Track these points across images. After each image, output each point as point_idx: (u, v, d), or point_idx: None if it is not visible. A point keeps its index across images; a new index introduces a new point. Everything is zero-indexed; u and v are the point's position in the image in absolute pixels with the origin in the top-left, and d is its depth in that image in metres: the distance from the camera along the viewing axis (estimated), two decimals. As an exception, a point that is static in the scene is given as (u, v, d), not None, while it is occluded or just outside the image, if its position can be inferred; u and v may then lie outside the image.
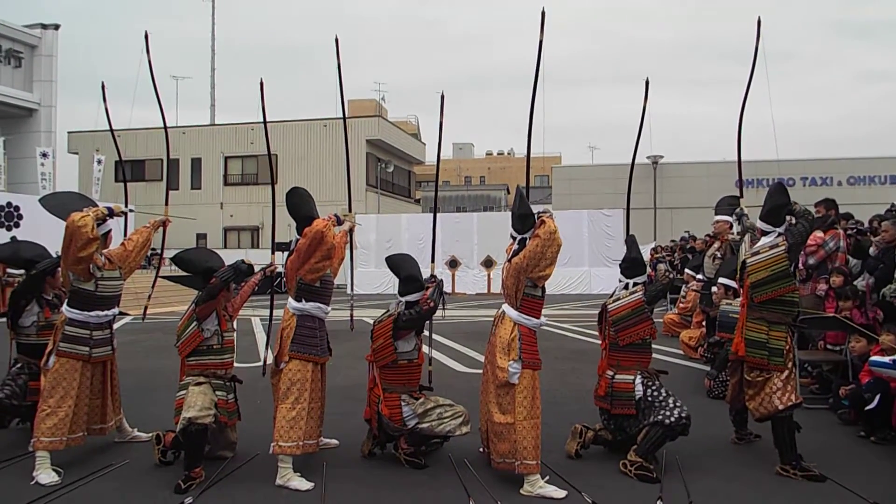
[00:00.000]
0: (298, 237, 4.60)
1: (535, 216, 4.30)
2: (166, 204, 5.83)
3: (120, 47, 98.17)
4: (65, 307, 4.71)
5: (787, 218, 4.72)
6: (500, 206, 42.52)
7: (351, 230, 5.25)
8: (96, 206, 4.89)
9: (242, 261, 4.69)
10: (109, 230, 4.84)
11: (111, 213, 4.74)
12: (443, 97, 5.60)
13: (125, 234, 5.54)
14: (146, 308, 6.23)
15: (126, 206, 6.21)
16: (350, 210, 5.44)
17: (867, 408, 5.14)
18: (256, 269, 5.02)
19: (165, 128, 6.25)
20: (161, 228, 5.57)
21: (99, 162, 26.13)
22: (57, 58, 27.02)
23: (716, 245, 8.29)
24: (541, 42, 4.68)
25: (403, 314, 4.62)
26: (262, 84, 5.71)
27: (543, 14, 4.69)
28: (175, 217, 5.69)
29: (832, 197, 7.81)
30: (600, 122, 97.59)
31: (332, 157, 29.89)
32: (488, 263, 22.22)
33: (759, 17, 5.23)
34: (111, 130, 6.31)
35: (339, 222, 4.74)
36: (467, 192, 45.84)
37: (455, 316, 14.92)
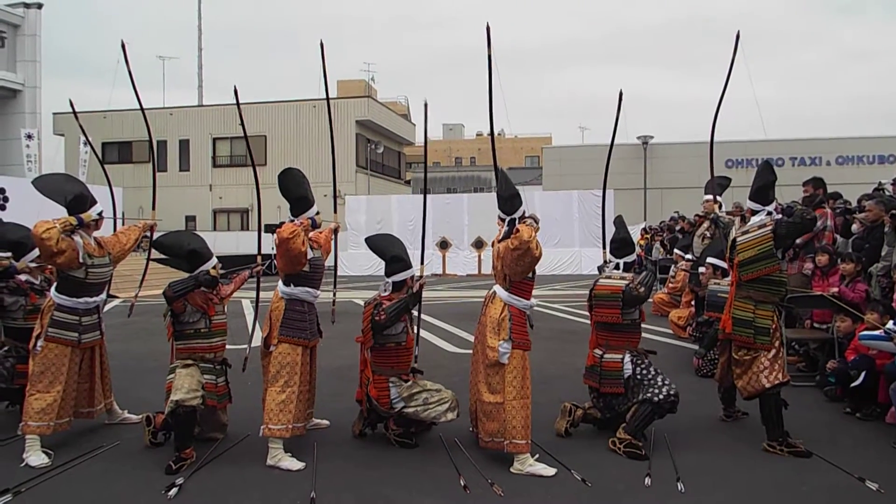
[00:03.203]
0: (292, 218, 4.57)
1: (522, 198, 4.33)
2: (153, 209, 5.77)
3: (105, 27, 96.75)
4: (53, 292, 4.67)
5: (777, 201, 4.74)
6: (490, 186, 42.44)
7: (336, 230, 5.26)
8: (86, 187, 4.84)
9: (207, 272, 4.58)
10: (101, 211, 4.79)
11: (80, 223, 4.59)
12: (426, 105, 5.53)
13: (114, 212, 5.52)
14: (132, 306, 6.19)
15: (110, 188, 6.17)
16: (339, 194, 5.42)
17: (853, 384, 5.21)
18: (252, 249, 4.98)
19: (151, 142, 6.16)
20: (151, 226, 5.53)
21: (85, 144, 25.82)
22: (41, 37, 26.59)
23: (705, 225, 8.33)
24: (489, 57, 4.62)
25: (377, 314, 4.54)
26: (235, 91, 5.62)
27: (489, 29, 4.61)
28: (158, 217, 5.68)
29: (820, 176, 7.84)
30: (591, 102, 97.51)
31: (322, 137, 29.67)
32: (479, 244, 22.23)
33: (738, 32, 5.22)
34: (73, 112, 6.26)
35: (315, 226, 4.66)
36: (458, 174, 45.74)
37: (445, 297, 14.96)
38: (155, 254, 6.25)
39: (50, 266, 4.94)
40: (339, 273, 6.10)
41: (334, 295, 5.89)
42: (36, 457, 4.31)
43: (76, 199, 4.64)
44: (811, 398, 5.78)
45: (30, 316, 5.01)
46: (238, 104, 5.65)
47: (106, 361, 5.10)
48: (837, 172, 25.60)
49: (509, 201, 4.35)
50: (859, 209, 7.23)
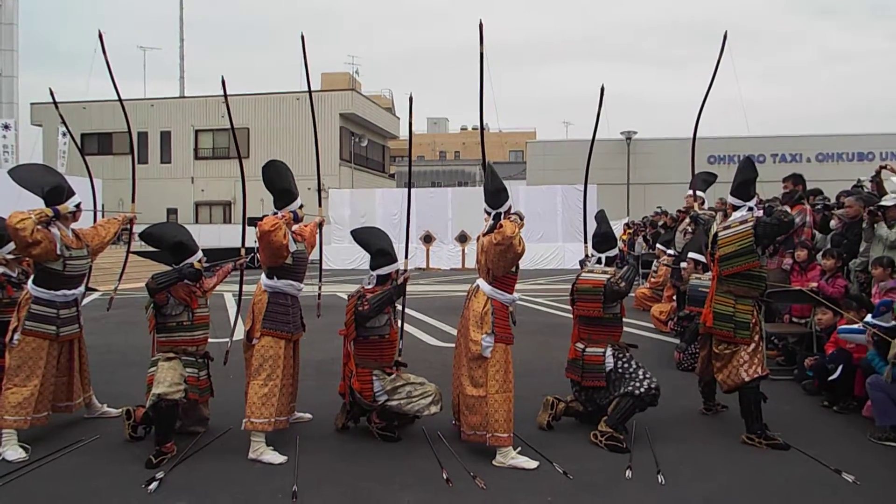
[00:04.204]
0: (276, 211, 4.54)
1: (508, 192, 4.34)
2: (133, 201, 5.71)
3: (84, 16, 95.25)
4: (30, 285, 4.61)
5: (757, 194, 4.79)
6: (474, 181, 42.43)
7: (320, 224, 5.24)
8: (63, 179, 4.77)
9: (192, 265, 4.55)
10: (78, 203, 4.72)
11: (56, 215, 4.52)
12: (411, 99, 5.48)
13: (94, 204, 5.44)
14: (112, 299, 6.11)
15: (91, 179, 6.09)
16: (322, 187, 5.37)
17: (830, 378, 5.28)
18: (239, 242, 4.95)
19: (130, 134, 6.08)
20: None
21: (64, 134, 25.44)
22: (18, 26, 26.13)
23: (687, 220, 8.38)
24: (482, 54, 4.62)
25: (360, 304, 4.55)
26: (223, 81, 5.55)
27: (481, 26, 4.60)
28: (138, 210, 5.64)
29: (801, 173, 7.92)
30: (576, 97, 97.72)
31: (305, 130, 29.46)
32: (462, 239, 22.22)
33: (726, 32, 5.27)
34: (54, 102, 6.17)
35: (298, 219, 4.63)
36: (442, 167, 45.65)
37: (429, 291, 14.96)
38: (135, 246, 6.18)
39: (27, 258, 4.87)
40: (318, 283, 6.06)
41: (319, 289, 5.86)
42: (13, 451, 4.26)
43: (53, 191, 4.57)
44: (790, 391, 5.86)
45: (6, 309, 4.92)
46: (225, 95, 5.58)
47: (85, 355, 5.04)
48: (818, 169, 25.90)
49: (495, 195, 4.35)
50: (838, 206, 7.31)
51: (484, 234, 4.39)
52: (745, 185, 4.76)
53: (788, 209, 6.10)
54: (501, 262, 4.22)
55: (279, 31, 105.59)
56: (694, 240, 7.56)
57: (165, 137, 32.07)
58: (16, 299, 4.80)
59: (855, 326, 5.13)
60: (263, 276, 4.57)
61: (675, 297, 8.60)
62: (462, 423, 4.39)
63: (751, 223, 4.61)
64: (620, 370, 4.67)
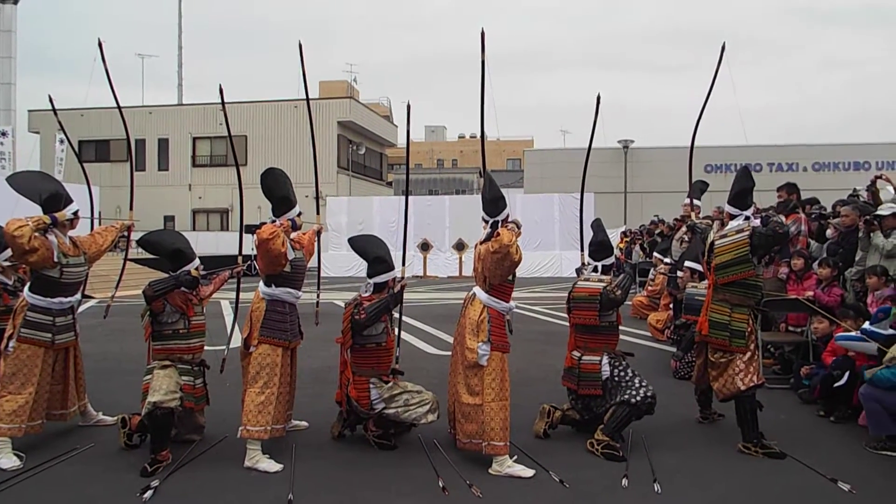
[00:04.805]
0: (274, 219, 4.55)
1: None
2: (131, 209, 5.72)
3: (82, 23, 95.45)
4: (26, 292, 4.60)
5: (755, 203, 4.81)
6: (472, 189, 42.51)
7: (319, 232, 5.24)
8: (61, 186, 4.77)
9: (189, 272, 4.55)
10: (76, 210, 4.73)
11: (54, 222, 4.52)
12: (408, 107, 5.49)
13: (92, 211, 5.43)
14: (108, 307, 6.09)
15: (88, 187, 6.09)
16: (320, 195, 5.38)
17: (836, 385, 5.23)
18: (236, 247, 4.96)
19: (129, 141, 6.08)
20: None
21: (62, 141, 25.44)
22: (16, 33, 26.17)
23: (683, 228, 8.41)
24: (483, 62, 4.65)
25: (357, 312, 4.56)
26: (221, 90, 5.56)
27: (483, 35, 4.64)
28: (136, 217, 5.64)
29: (797, 182, 7.95)
30: (574, 105, 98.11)
31: (303, 138, 29.46)
32: (460, 246, 22.25)
33: (724, 43, 5.32)
34: (53, 109, 6.18)
35: (296, 227, 4.64)
36: (439, 175, 45.74)
37: (426, 298, 14.95)
38: (132, 253, 6.18)
39: (23, 265, 4.87)
40: (316, 290, 6.06)
41: (318, 297, 5.85)
42: (7, 459, 4.24)
43: (51, 198, 4.57)
44: (786, 400, 5.86)
45: (2, 316, 4.92)
46: (223, 103, 5.60)
47: (80, 363, 5.03)
48: (814, 178, 26.00)
49: (493, 203, 4.36)
50: (834, 215, 7.35)
51: (481, 243, 4.40)
52: (741, 195, 4.78)
53: (783, 219, 6.12)
54: (498, 271, 4.23)
55: (278, 38, 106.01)
56: (690, 248, 7.58)
57: (163, 145, 32.13)
58: (11, 307, 4.79)
59: (853, 334, 5.13)
60: (262, 283, 4.57)
61: (671, 306, 8.60)
62: (458, 431, 4.38)
63: (747, 232, 4.62)
64: (617, 378, 4.68)
